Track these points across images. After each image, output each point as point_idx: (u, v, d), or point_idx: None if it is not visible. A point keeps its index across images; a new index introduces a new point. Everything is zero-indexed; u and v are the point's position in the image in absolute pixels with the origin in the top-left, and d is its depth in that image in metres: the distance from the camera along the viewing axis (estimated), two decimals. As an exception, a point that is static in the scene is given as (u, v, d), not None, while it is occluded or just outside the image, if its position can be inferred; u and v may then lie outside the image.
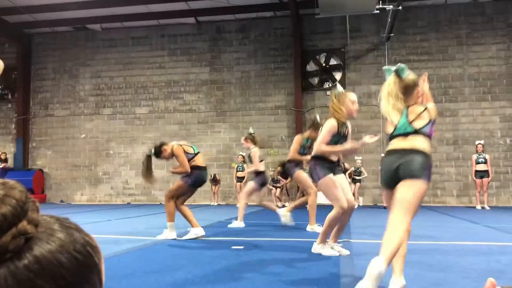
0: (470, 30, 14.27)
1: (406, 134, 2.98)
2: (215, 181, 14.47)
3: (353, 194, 12.51)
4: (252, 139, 7.49)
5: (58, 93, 16.78)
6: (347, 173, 12.31)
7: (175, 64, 16.02)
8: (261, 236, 6.10)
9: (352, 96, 4.38)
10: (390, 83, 3.07)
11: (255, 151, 7.38)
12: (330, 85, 14.36)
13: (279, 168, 13.95)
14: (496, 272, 3.55)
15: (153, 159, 5.88)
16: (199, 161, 5.82)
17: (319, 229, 6.41)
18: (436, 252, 4.63)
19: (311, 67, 15.06)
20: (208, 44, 15.88)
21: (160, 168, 15.31)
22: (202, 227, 5.84)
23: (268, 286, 3.12)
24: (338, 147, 4.30)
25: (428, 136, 3.00)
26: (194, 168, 5.74)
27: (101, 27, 16.52)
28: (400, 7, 12.10)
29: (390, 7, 12.06)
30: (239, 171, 13.70)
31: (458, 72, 14.13)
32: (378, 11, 12.08)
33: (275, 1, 14.47)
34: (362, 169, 12.94)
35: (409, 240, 3.04)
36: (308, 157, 6.40)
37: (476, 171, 12.01)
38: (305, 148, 6.57)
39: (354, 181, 12.74)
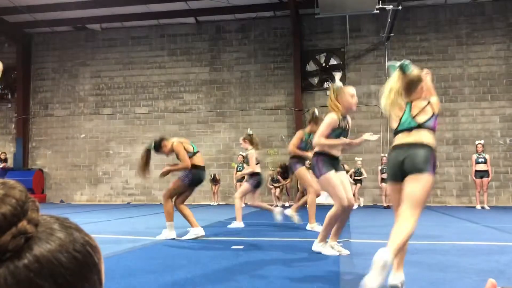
0: (470, 30, 14.28)
1: (410, 129, 3.05)
2: (215, 181, 14.47)
3: (354, 195, 12.54)
4: (250, 140, 7.49)
5: (58, 93, 16.79)
6: (348, 174, 12.31)
7: (175, 64, 16.02)
8: (260, 236, 6.10)
9: (351, 90, 4.44)
10: (394, 80, 3.11)
11: (252, 153, 7.38)
12: (330, 85, 14.37)
13: (278, 169, 13.96)
14: (496, 272, 3.55)
15: (153, 156, 5.88)
16: (197, 160, 5.82)
17: (318, 228, 6.41)
18: (436, 252, 4.63)
19: (311, 67, 15.06)
20: (208, 44, 15.88)
21: (160, 168, 15.30)
22: (202, 227, 5.83)
23: (268, 286, 3.12)
24: (337, 141, 4.30)
25: (432, 129, 3.06)
26: (192, 167, 5.73)
27: (101, 27, 16.52)
28: (400, 7, 12.10)
29: (390, 7, 12.06)
30: (239, 171, 13.69)
31: (458, 72, 14.13)
32: (378, 11, 12.09)
33: (275, 1, 14.47)
34: (362, 170, 12.94)
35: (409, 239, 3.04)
36: (308, 153, 6.48)
37: (476, 171, 12.00)
38: (307, 143, 6.56)
39: (355, 182, 12.72)
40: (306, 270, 3.68)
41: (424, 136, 3.00)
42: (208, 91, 15.73)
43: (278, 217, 7.39)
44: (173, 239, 5.68)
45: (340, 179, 4.38)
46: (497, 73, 14.00)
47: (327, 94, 4.56)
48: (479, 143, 12.07)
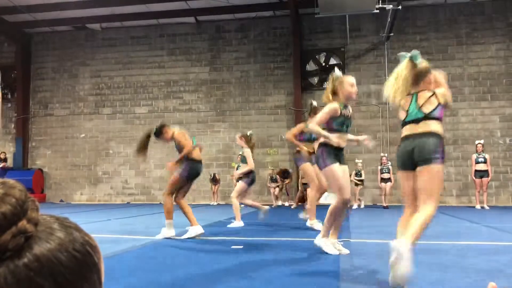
0: (469, 30, 14.28)
1: (417, 120, 3.19)
2: (214, 180, 14.46)
3: (355, 196, 12.51)
4: (246, 139, 7.52)
5: (58, 93, 16.78)
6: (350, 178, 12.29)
7: (175, 64, 16.02)
8: (260, 236, 6.10)
9: (350, 79, 4.50)
10: (401, 67, 3.23)
11: (248, 151, 7.42)
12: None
13: (278, 170, 13.96)
14: (496, 272, 3.55)
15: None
16: (195, 154, 5.83)
17: (317, 225, 6.41)
18: (436, 252, 4.63)
19: (310, 66, 15.06)
20: (208, 43, 15.88)
21: (159, 168, 15.32)
22: (201, 226, 5.82)
23: (267, 286, 3.12)
24: (326, 134, 4.30)
25: (439, 119, 3.20)
26: (189, 160, 5.74)
27: (101, 27, 16.52)
28: (400, 7, 12.11)
29: (389, 6, 12.06)
30: (239, 170, 13.71)
31: (458, 71, 14.13)
32: (377, 11, 12.08)
33: (275, 0, 14.47)
34: (362, 172, 12.93)
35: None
36: (303, 147, 6.63)
37: (475, 170, 12.00)
38: (311, 134, 6.53)
39: (356, 184, 12.69)
40: (306, 270, 3.68)
41: (432, 125, 3.15)
42: (207, 91, 15.73)
43: (262, 217, 7.50)
44: (171, 238, 5.68)
45: (343, 172, 4.41)
46: (497, 72, 14.00)
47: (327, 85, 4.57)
48: (479, 143, 12.07)
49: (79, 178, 16.35)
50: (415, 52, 3.25)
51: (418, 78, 3.23)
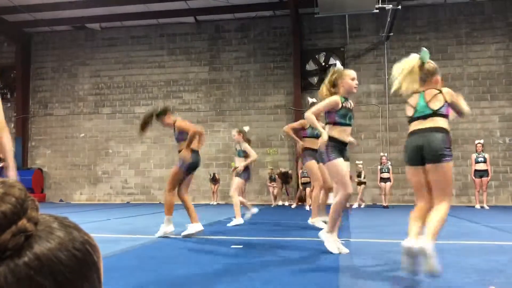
0: (469, 30, 14.28)
1: (425, 116, 3.27)
2: (214, 180, 14.46)
3: (358, 196, 12.50)
4: (244, 134, 7.58)
5: (58, 92, 16.78)
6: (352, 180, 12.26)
7: (175, 63, 16.02)
8: (260, 235, 6.10)
9: (351, 73, 4.54)
10: (407, 61, 3.35)
11: (247, 145, 7.48)
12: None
13: (278, 172, 13.94)
14: (496, 272, 3.55)
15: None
16: (193, 144, 5.81)
17: (319, 223, 6.41)
18: (436, 252, 4.62)
19: (310, 66, 15.06)
20: (208, 43, 15.88)
21: (159, 168, 15.32)
22: (201, 224, 5.82)
23: (267, 286, 3.12)
24: (319, 127, 4.36)
25: (446, 116, 3.28)
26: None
27: (101, 26, 16.52)
28: (400, 7, 12.11)
29: (389, 6, 12.07)
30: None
31: (458, 71, 14.14)
32: (377, 11, 12.09)
33: (275, 0, 14.47)
34: (363, 172, 12.93)
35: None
36: (299, 140, 6.77)
37: (475, 170, 12.00)
38: (313, 129, 6.48)
39: (359, 183, 12.68)
40: (305, 269, 3.68)
41: (439, 122, 3.23)
42: (207, 91, 15.72)
43: (249, 216, 7.56)
44: (170, 236, 5.67)
45: (346, 168, 4.45)
46: (497, 72, 14.01)
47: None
48: (479, 143, 12.07)
49: (79, 177, 16.35)
50: (423, 49, 3.37)
51: (425, 76, 3.34)
